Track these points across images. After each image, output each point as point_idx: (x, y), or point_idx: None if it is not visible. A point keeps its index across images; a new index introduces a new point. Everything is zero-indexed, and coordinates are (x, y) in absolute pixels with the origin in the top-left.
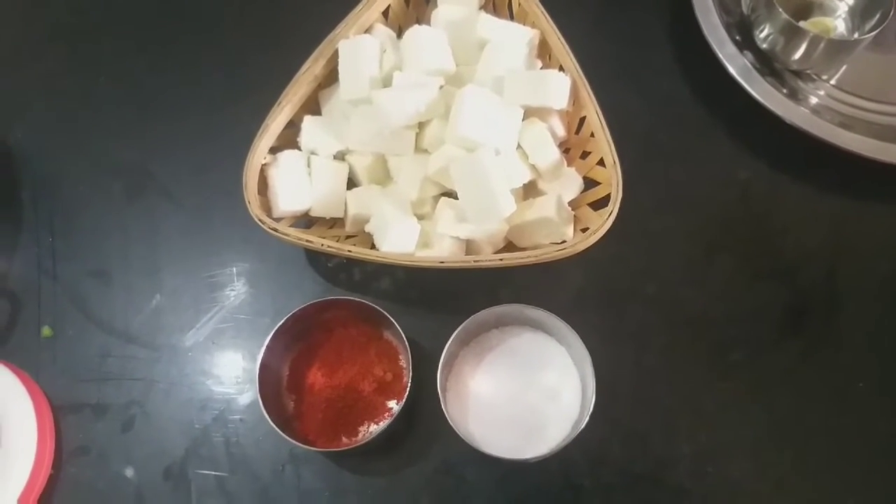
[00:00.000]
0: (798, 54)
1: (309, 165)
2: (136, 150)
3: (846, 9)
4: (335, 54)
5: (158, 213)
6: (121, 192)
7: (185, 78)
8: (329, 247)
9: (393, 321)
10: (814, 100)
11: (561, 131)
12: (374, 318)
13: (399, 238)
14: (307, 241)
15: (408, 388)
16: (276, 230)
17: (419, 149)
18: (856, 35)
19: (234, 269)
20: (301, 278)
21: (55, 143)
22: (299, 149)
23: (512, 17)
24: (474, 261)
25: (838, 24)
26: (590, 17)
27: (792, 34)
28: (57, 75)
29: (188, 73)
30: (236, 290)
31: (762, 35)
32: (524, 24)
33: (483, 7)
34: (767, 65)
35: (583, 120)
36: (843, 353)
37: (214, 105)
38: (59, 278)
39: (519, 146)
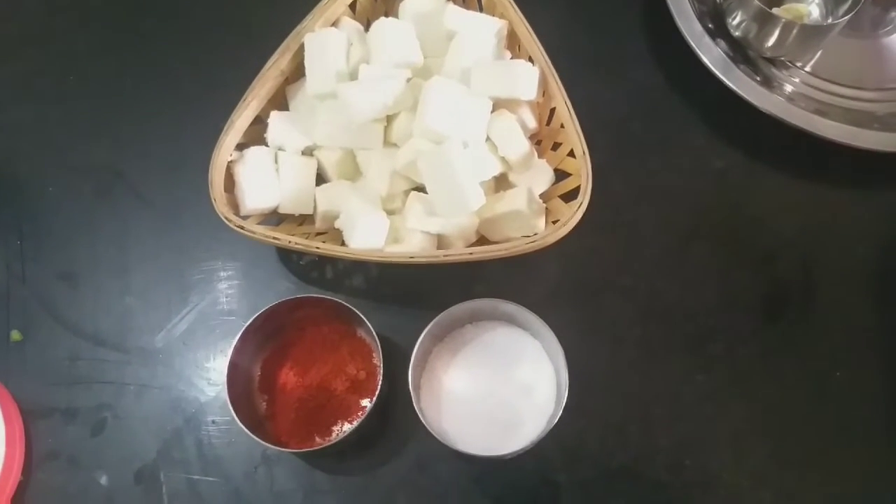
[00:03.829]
0: (771, 41)
1: (276, 161)
2: (105, 149)
3: None
4: (301, 48)
5: (128, 213)
6: (90, 193)
7: (155, 74)
8: (297, 244)
9: (364, 319)
10: (788, 87)
11: (532, 123)
12: (346, 316)
13: (367, 233)
14: (274, 238)
15: (379, 387)
16: (242, 228)
17: (388, 143)
18: (829, 20)
19: (205, 268)
20: (273, 276)
21: (24, 144)
22: (266, 145)
23: (481, 8)
24: (444, 255)
25: (812, 10)
26: (561, 7)
27: (765, 21)
28: (27, 76)
29: (158, 69)
30: (207, 290)
31: (735, 22)
32: (493, 15)
33: None
34: (741, 53)
35: (553, 111)
36: (820, 342)
37: (185, 101)
38: (28, 281)
39: (488, 138)
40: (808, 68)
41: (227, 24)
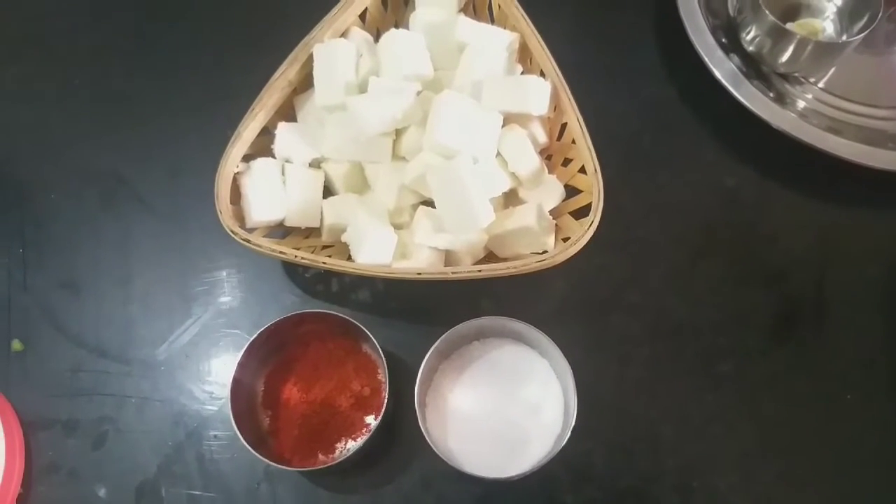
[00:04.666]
0: (785, 57)
1: (283, 174)
2: (109, 156)
3: (834, 10)
4: (310, 59)
5: (131, 221)
6: (93, 200)
7: (161, 81)
8: (303, 258)
9: (369, 335)
10: (801, 104)
11: (542, 138)
12: (352, 332)
13: (375, 249)
14: (280, 252)
15: (385, 404)
16: (248, 241)
17: (397, 156)
18: (844, 37)
19: (209, 279)
20: (278, 289)
21: (27, 149)
22: (274, 156)
23: (492, 21)
24: (452, 272)
25: (826, 26)
26: (573, 21)
27: (779, 36)
28: (30, 79)
29: (163, 76)
30: (211, 301)
31: (749, 37)
32: (504, 28)
33: (463, 10)
34: (754, 68)
35: (564, 126)
36: (832, 363)
37: (190, 109)
38: (30, 290)
39: (499, 153)
40: (821, 84)
41: (234, 31)
